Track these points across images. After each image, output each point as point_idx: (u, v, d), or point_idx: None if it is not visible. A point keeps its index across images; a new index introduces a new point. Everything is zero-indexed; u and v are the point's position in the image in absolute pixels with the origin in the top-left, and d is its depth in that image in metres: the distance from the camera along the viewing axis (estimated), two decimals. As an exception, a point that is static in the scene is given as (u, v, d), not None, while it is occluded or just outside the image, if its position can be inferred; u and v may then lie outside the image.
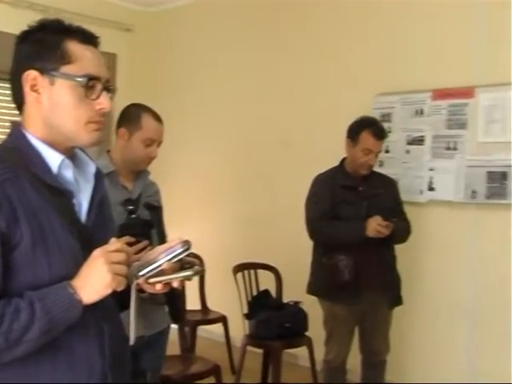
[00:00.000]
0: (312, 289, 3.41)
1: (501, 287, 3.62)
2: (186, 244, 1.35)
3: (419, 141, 3.90)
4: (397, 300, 3.36)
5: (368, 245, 3.13)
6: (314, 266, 3.41)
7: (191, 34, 5.45)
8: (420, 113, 3.91)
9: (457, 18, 3.83)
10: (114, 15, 5.31)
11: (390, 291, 3.32)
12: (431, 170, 3.85)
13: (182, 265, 1.39)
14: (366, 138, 3.24)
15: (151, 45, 5.64)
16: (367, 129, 3.25)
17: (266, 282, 4.21)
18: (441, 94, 3.84)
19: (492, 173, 3.59)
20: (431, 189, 3.81)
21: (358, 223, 3.15)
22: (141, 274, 1.36)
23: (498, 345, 3.63)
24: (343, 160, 3.41)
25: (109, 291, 1.33)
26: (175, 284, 1.40)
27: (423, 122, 3.88)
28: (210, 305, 4.62)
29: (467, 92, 3.72)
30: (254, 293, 4.09)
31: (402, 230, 3.28)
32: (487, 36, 3.68)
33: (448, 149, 3.79)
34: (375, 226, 3.10)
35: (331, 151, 4.27)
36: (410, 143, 3.95)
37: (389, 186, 3.45)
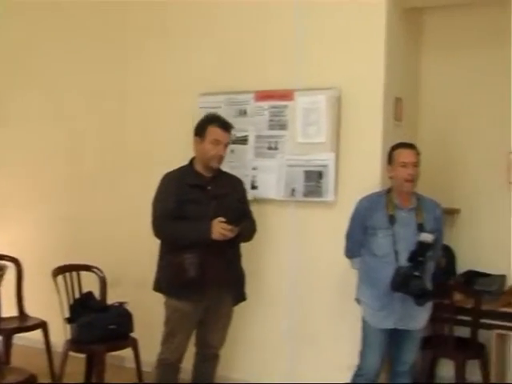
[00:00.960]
0: (158, 286, 3.40)
1: (319, 280, 3.86)
2: None
3: (243, 140, 4.02)
4: (240, 296, 3.46)
5: (214, 243, 3.18)
6: (161, 263, 3.39)
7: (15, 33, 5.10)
8: (244, 113, 4.03)
9: (279, 24, 4.02)
10: None
11: (234, 288, 3.40)
12: (254, 168, 3.99)
13: None
14: (213, 131, 3.32)
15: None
16: (213, 122, 3.36)
17: (90, 283, 4.06)
18: (263, 95, 3.99)
19: (309, 172, 3.82)
20: (254, 187, 3.94)
21: (203, 225, 3.19)
22: None
23: (318, 340, 3.87)
24: (192, 159, 3.42)
25: None
26: None
27: (247, 122, 4.00)
28: (29, 310, 4.35)
29: (287, 95, 3.91)
30: (77, 295, 3.93)
31: (246, 231, 3.37)
32: (306, 43, 3.90)
33: (270, 148, 3.96)
34: (220, 229, 3.16)
35: (164, 151, 4.31)
36: (234, 142, 4.04)
37: (236, 185, 3.52)
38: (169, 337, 3.36)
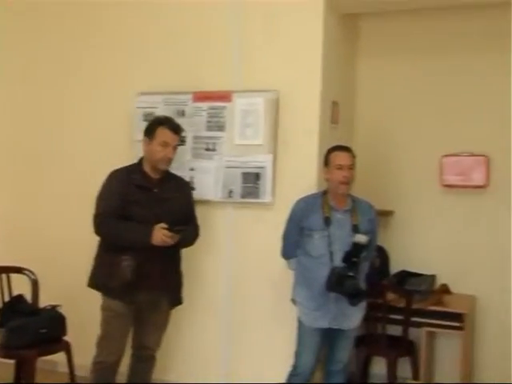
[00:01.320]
0: (92, 283, 3.36)
1: (256, 281, 3.88)
2: None
3: (181, 141, 3.97)
4: (176, 300, 3.45)
5: (153, 247, 3.15)
6: (97, 260, 3.35)
7: None
8: (182, 114, 4.00)
9: (218, 26, 4.01)
10: None
11: (171, 292, 3.39)
12: (192, 169, 3.97)
13: None
14: (162, 132, 3.31)
15: None
16: (163, 124, 3.35)
17: (22, 286, 3.93)
18: (201, 96, 3.98)
19: (247, 173, 3.83)
20: (192, 188, 3.92)
21: (145, 228, 3.15)
22: None
23: (254, 341, 3.88)
24: (141, 159, 3.38)
25: None
26: None
27: (185, 123, 3.95)
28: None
29: (225, 96, 3.91)
30: (7, 299, 3.80)
31: (188, 237, 3.37)
32: (245, 45, 3.92)
33: (208, 150, 3.95)
34: (160, 235, 3.13)
35: (100, 151, 4.23)
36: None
37: (183, 189, 3.51)
38: (104, 338, 3.32)
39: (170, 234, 3.14)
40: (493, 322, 4.21)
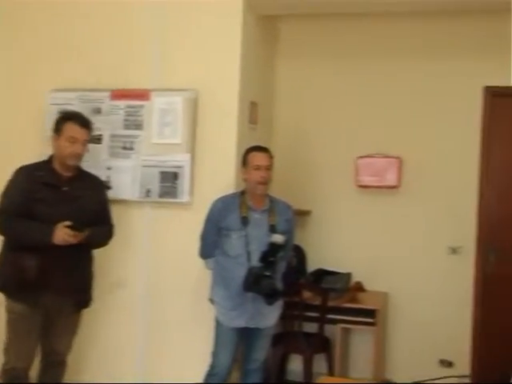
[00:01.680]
0: None
1: (174, 281, 3.85)
2: None
3: (97, 139, 3.90)
4: (84, 303, 3.34)
5: (58, 247, 3.05)
6: (2, 260, 3.22)
7: None
8: (98, 111, 3.91)
9: (137, 24, 3.95)
10: None
11: (77, 294, 3.27)
12: (109, 168, 3.89)
13: None
14: (70, 127, 3.20)
15: None
16: (70, 119, 3.24)
17: None
18: (119, 94, 3.90)
19: (165, 173, 3.80)
20: (108, 187, 3.84)
21: (46, 227, 3.04)
22: None
23: (171, 341, 3.85)
24: (51, 156, 3.26)
25: None
26: None
27: (101, 121, 3.88)
28: None
29: (144, 94, 3.86)
30: None
31: (98, 236, 3.28)
32: (164, 43, 3.89)
33: (125, 148, 3.88)
34: (62, 234, 3.03)
35: (12, 148, 4.06)
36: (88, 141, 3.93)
37: (96, 187, 3.41)
38: (11, 344, 3.19)
39: (72, 232, 3.04)
40: (404, 318, 4.38)
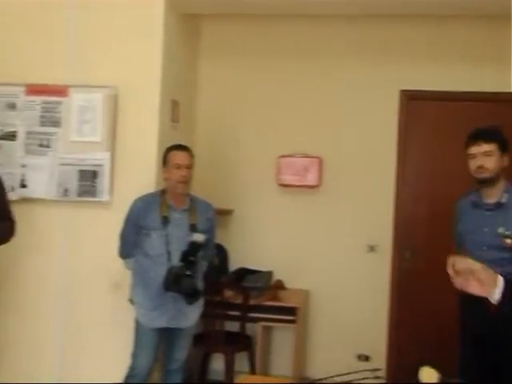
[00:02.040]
0: None
1: (93, 282, 3.76)
2: None
3: (11, 136, 3.76)
4: None
5: None
6: None
7: None
8: (12, 107, 3.77)
9: (55, 19, 3.84)
10: None
11: None
12: (24, 166, 3.75)
13: None
14: None
15: None
16: None
17: None
18: (35, 89, 3.78)
19: (83, 171, 3.71)
20: (23, 186, 3.71)
21: None
22: None
23: (89, 343, 3.77)
24: None
25: None
26: None
27: (16, 117, 3.75)
28: None
29: (61, 90, 3.75)
30: None
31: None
32: (83, 39, 3.80)
33: (41, 146, 3.76)
34: None
35: None
36: (1, 138, 3.78)
37: None
38: None
39: None
40: (324, 315, 4.47)
